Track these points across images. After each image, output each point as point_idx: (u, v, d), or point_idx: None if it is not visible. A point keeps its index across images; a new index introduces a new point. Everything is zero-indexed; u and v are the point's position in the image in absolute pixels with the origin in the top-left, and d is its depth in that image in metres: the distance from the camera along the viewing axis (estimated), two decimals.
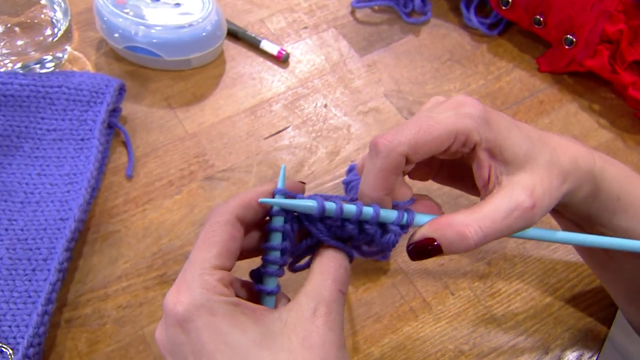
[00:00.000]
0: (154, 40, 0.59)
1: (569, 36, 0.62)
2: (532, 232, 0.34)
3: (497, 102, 0.63)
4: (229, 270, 0.31)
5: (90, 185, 0.51)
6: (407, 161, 0.32)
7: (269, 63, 0.64)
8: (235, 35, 0.65)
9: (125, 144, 0.57)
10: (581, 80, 0.65)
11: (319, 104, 0.61)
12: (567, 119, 0.62)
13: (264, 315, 0.30)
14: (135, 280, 0.49)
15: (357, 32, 0.67)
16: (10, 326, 0.44)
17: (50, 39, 0.57)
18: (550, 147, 0.34)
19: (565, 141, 0.35)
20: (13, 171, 0.52)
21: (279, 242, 0.33)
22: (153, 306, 0.48)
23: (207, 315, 0.29)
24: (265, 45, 0.64)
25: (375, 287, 0.49)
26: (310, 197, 0.32)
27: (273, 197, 0.33)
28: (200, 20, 0.59)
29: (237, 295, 0.31)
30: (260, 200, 0.32)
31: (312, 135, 0.58)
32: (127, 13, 0.59)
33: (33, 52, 0.56)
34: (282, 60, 0.64)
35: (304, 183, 0.36)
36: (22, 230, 0.49)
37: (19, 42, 0.56)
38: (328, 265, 0.32)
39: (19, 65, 0.56)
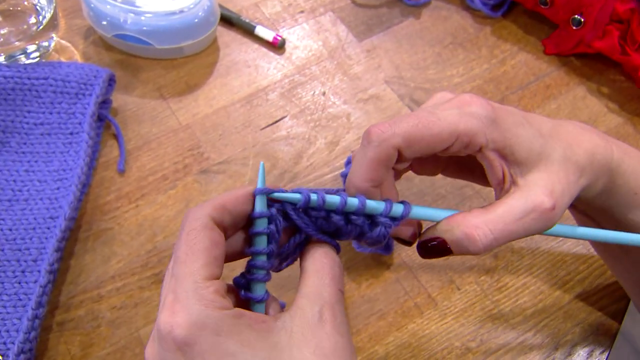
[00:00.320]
0: (144, 28, 0.56)
1: (576, 16, 0.59)
2: (555, 229, 0.32)
3: (501, 87, 0.61)
4: (219, 278, 0.29)
5: (80, 181, 0.49)
6: (401, 157, 0.30)
7: (264, 50, 0.61)
8: (228, 21, 0.63)
9: (117, 137, 0.54)
10: (589, 62, 0.62)
11: (317, 91, 0.59)
12: (575, 103, 0.60)
13: (269, 325, 0.28)
14: (129, 279, 0.47)
15: (356, 16, 0.65)
16: None
17: (35, 27, 0.55)
18: (564, 141, 0.32)
19: (580, 131, 0.33)
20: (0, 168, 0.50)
21: (265, 245, 0.31)
22: (149, 306, 0.46)
23: (212, 336, 0.26)
24: (260, 31, 0.61)
25: (379, 283, 0.48)
26: (293, 191, 0.31)
27: (253, 198, 0.31)
28: (191, 6, 0.57)
29: None
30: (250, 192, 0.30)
31: (310, 125, 0.56)
32: None
33: (17, 42, 0.54)
34: (277, 46, 0.61)
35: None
36: (10, 230, 0.47)
37: (2, 32, 0.54)
38: (322, 263, 0.30)
39: (2, 56, 0.54)
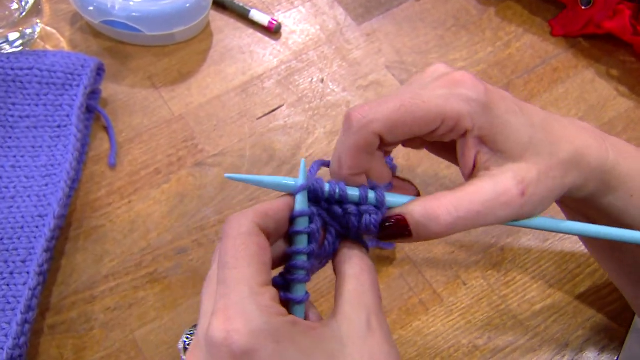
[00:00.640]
0: (133, 14, 0.54)
1: None
2: (535, 221, 0.30)
3: (506, 72, 0.58)
4: (269, 285, 0.28)
5: (69, 177, 0.47)
6: (384, 141, 0.29)
7: (259, 35, 0.59)
8: (222, 5, 0.60)
9: (107, 129, 0.52)
10: (598, 43, 0.60)
11: (315, 78, 0.56)
12: (584, 87, 0.58)
13: (320, 333, 0.26)
14: (123, 279, 0.45)
15: None
16: None
17: (18, 13, 0.52)
18: (554, 135, 0.30)
19: (574, 129, 0.32)
20: None
21: (305, 245, 0.30)
22: (143, 307, 0.44)
23: (273, 344, 0.24)
24: (255, 15, 0.58)
25: (382, 279, 0.46)
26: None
27: (294, 197, 0.30)
28: None
29: None
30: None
31: (308, 114, 0.54)
32: None
33: None
34: (273, 31, 0.58)
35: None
36: None
37: None
38: (360, 268, 0.29)
39: None
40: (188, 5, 0.54)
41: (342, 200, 0.30)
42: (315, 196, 0.29)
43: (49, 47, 0.56)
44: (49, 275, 0.45)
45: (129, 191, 0.49)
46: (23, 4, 0.52)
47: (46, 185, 0.47)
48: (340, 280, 0.29)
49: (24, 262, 0.44)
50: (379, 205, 0.30)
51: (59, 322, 0.43)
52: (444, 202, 0.28)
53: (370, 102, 0.28)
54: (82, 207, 0.48)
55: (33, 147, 0.49)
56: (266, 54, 0.58)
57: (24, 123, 0.50)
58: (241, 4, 0.59)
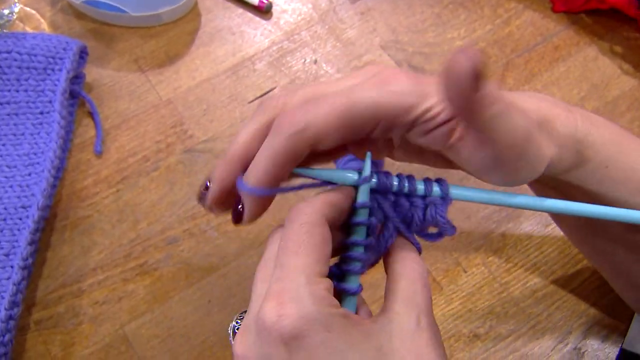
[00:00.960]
0: None
1: None
2: (519, 199, 0.30)
3: (506, 50, 0.56)
4: (326, 277, 0.27)
5: (54, 166, 0.45)
6: (315, 149, 0.28)
7: (249, 14, 0.56)
8: None
9: (92, 115, 0.50)
10: (601, 19, 0.58)
11: (308, 59, 0.54)
12: (586, 64, 0.56)
13: (370, 327, 0.26)
14: (112, 272, 0.44)
15: None
16: None
17: None
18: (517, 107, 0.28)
19: (537, 100, 0.30)
20: None
21: (364, 236, 0.29)
22: (133, 300, 0.43)
23: (323, 332, 0.24)
24: None
25: (380, 267, 0.44)
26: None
27: (356, 189, 0.29)
28: None
29: None
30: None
31: None
32: None
33: None
34: (264, 10, 0.56)
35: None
36: None
37: None
38: (413, 268, 0.29)
39: None
40: None
41: (410, 193, 0.30)
42: (383, 189, 0.29)
43: (28, 29, 0.54)
44: (35, 268, 0.43)
45: (117, 179, 0.48)
46: None
47: (29, 174, 0.46)
48: (391, 279, 0.29)
49: (7, 255, 0.42)
50: (444, 196, 0.30)
51: (46, 317, 0.42)
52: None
53: (300, 107, 0.27)
54: (67, 197, 0.47)
55: (14, 135, 0.47)
56: (257, 35, 0.55)
57: (5, 110, 0.48)
58: None
